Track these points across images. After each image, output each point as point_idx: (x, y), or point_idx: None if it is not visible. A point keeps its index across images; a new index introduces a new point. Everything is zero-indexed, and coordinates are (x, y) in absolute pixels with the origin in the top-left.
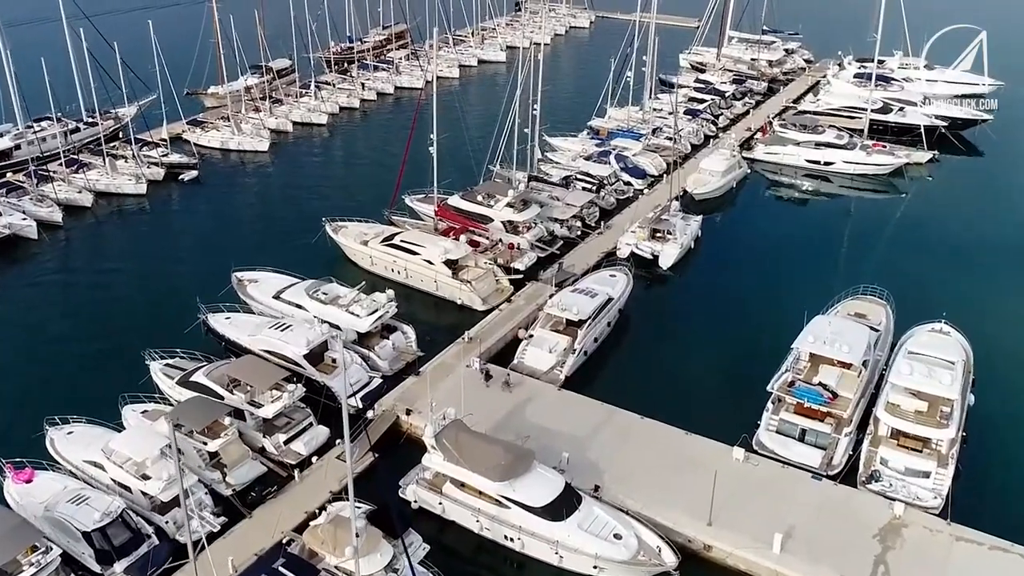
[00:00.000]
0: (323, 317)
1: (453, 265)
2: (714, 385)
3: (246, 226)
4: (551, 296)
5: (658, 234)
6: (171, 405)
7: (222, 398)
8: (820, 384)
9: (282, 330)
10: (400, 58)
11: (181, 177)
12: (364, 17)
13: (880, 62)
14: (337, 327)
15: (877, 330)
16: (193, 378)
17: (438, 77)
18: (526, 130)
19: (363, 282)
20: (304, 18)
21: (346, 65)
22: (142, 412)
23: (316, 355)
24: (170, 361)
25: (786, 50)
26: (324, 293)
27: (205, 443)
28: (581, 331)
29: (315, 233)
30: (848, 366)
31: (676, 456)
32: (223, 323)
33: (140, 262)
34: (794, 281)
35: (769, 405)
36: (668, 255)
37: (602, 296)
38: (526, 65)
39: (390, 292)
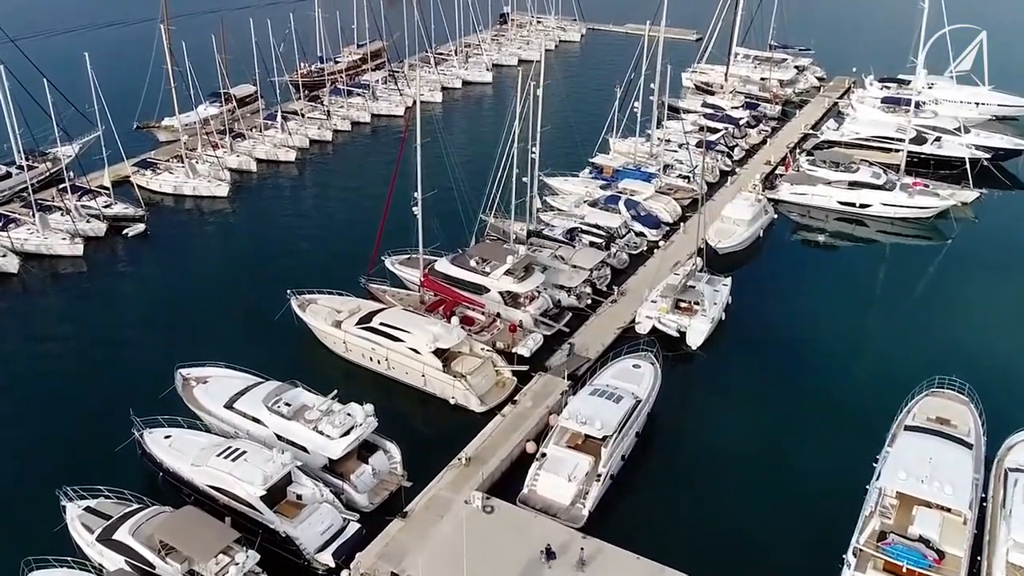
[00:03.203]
0: (285, 435)
1: (444, 354)
2: (775, 524)
3: (198, 297)
4: (563, 394)
5: (683, 304)
6: (89, 571)
7: (152, 567)
8: (920, 539)
9: (234, 459)
10: (376, 80)
11: (126, 232)
12: (335, 34)
13: (903, 82)
14: (304, 449)
15: (969, 444)
16: (116, 535)
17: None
18: (525, 179)
19: (336, 390)
20: (267, 38)
21: (317, 91)
22: None
23: (277, 491)
24: (92, 503)
25: (796, 67)
26: (287, 404)
27: None
28: (606, 450)
29: (280, 305)
30: (949, 510)
31: None
32: (161, 444)
33: (68, 352)
34: (848, 363)
35: (850, 558)
36: (697, 331)
37: (628, 399)
38: (524, 100)
39: (368, 407)
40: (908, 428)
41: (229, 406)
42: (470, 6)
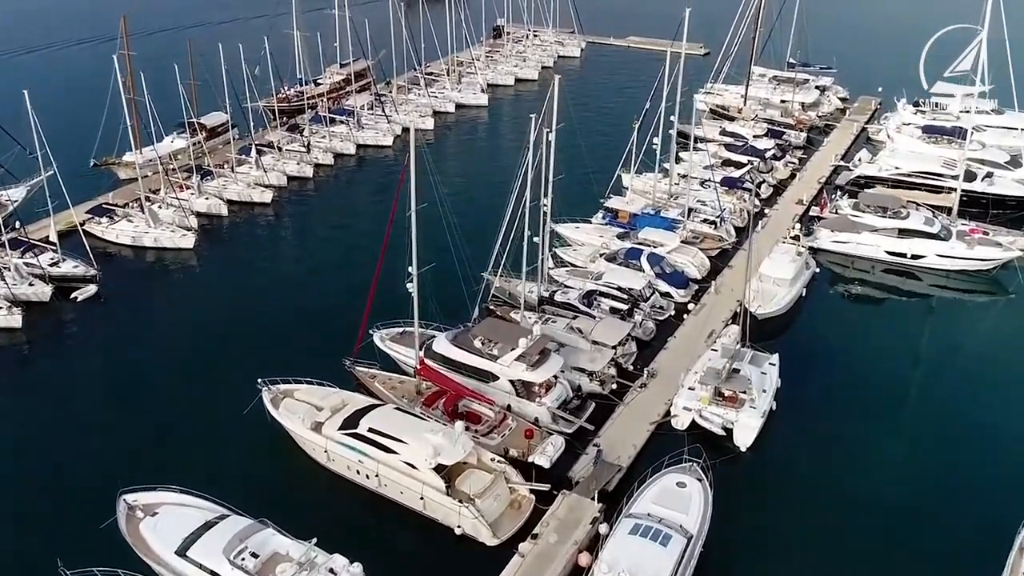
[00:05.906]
0: None
1: (446, 470)
2: None
3: (154, 383)
4: (594, 522)
5: (727, 393)
6: None
7: None
8: None
9: None
10: (361, 106)
11: (75, 295)
12: (316, 54)
13: (939, 105)
14: None
15: None
16: None
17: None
18: (536, 239)
19: (314, 538)
20: (239, 61)
21: (296, 118)
22: None
23: None
24: None
25: (818, 88)
26: (253, 554)
27: None
28: None
29: (250, 394)
30: None
31: None
32: None
33: None
34: (925, 464)
35: None
36: (746, 428)
37: (677, 538)
38: (537, 144)
39: (357, 567)
40: None
41: (182, 553)
42: (462, 19)
